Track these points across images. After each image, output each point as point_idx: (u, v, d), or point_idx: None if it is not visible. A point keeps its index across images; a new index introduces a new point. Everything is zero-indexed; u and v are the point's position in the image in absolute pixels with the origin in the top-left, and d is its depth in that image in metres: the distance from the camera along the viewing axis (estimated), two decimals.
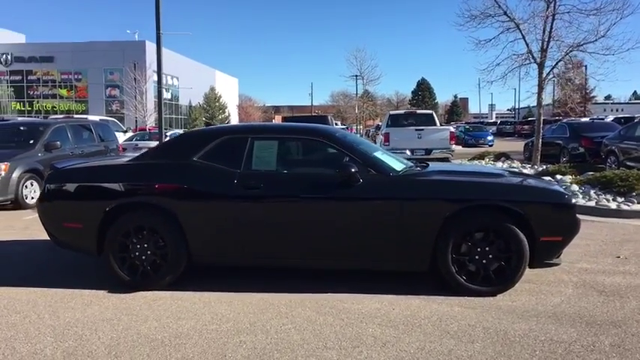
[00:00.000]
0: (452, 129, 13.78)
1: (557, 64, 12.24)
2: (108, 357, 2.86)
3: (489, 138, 30.36)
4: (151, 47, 44.29)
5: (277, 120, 55.97)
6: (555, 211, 3.80)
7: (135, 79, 34.02)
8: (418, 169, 4.30)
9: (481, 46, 12.37)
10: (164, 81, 48.70)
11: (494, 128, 41.62)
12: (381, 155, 4.18)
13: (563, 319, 3.35)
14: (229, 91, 66.87)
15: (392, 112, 15.24)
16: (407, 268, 3.94)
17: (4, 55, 42.20)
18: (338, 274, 4.21)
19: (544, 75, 11.80)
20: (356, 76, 45.00)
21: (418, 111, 16.03)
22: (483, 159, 15.83)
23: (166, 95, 49.24)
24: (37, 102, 42.83)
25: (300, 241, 3.91)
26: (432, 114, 14.77)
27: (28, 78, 42.88)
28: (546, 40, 11.35)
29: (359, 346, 2.96)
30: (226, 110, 59.10)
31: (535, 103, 12.62)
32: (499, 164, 13.89)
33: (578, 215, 3.94)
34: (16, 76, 42.84)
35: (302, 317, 3.42)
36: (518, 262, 3.74)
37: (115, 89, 38.73)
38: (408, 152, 12.99)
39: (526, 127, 37.61)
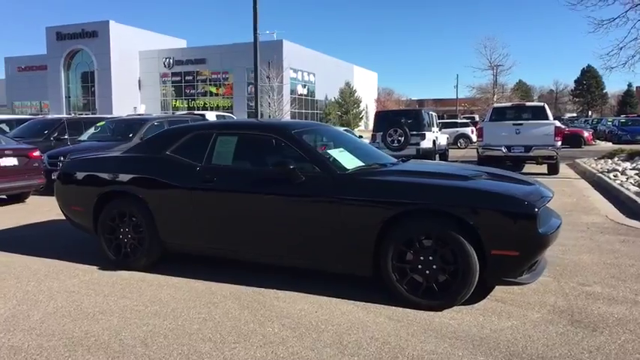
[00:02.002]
0: (558, 123, 12.12)
1: None
2: (37, 323, 3.31)
3: None
4: (288, 46, 46.99)
5: None
6: (509, 220, 3.25)
7: (268, 76, 36.40)
8: (381, 167, 4.03)
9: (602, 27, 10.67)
10: (300, 77, 51.41)
11: None
12: (338, 153, 4.02)
13: (486, 346, 2.90)
14: (368, 86, 67.57)
15: (496, 105, 13.97)
16: (349, 271, 3.75)
17: (167, 59, 48.58)
18: (310, 272, 4.15)
19: None
20: (496, 65, 42.10)
21: (528, 104, 14.33)
22: (613, 158, 13.73)
23: (302, 91, 51.83)
24: (192, 100, 48.43)
25: (247, 236, 3.99)
26: (543, 107, 13.15)
27: (186, 78, 48.73)
28: None
29: (241, 342, 2.97)
30: (361, 104, 59.92)
31: None
32: (626, 164, 11.90)
33: (546, 228, 3.33)
34: (176, 77, 49.04)
35: (224, 310, 3.51)
36: (464, 276, 3.32)
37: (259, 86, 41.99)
38: (503, 149, 11.89)
39: None
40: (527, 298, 3.67)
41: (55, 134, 11.03)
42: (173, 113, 23.92)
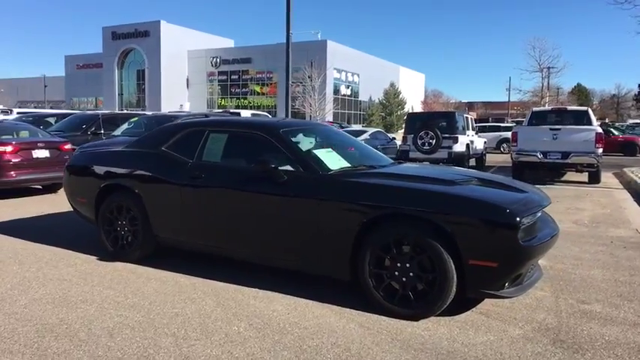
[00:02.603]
0: (599, 129, 11.42)
1: None
2: (20, 308, 3.44)
3: None
4: (332, 46, 47.03)
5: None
6: (487, 229, 3.07)
7: (309, 76, 36.57)
8: (367, 169, 3.92)
9: None
10: (344, 78, 51.35)
11: None
12: (325, 153, 3.94)
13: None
14: (414, 87, 66.61)
15: (535, 109, 13.33)
16: (328, 274, 3.66)
17: (214, 59, 49.86)
18: (301, 273, 4.10)
19: None
20: (549, 67, 40.44)
21: (570, 108, 13.59)
22: None
23: (346, 91, 51.75)
24: (237, 99, 49.41)
25: (231, 233, 3.99)
26: (586, 111, 12.43)
27: (232, 77, 49.83)
28: None
29: (202, 339, 2.96)
30: (406, 106, 59.12)
31: None
32: None
33: (530, 239, 3.12)
34: (222, 76, 50.25)
35: (199, 306, 3.51)
36: (440, 285, 3.17)
37: (299, 86, 42.30)
38: (539, 155, 11.35)
39: None
40: (515, 313, 3.47)
41: (93, 129, 11.51)
42: (210, 111, 24.37)
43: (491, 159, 18.42)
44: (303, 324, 3.22)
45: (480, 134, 19.12)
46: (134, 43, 48.93)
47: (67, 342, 2.91)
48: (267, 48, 47.48)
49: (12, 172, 7.86)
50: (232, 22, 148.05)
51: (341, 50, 48.80)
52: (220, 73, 50.19)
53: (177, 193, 4.18)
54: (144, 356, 2.75)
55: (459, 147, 13.19)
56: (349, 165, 3.92)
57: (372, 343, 2.96)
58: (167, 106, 44.40)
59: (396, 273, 3.32)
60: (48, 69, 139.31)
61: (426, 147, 13.16)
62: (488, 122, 32.13)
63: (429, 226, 3.19)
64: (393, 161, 4.56)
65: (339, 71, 49.44)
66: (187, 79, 51.23)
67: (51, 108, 40.78)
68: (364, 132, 15.60)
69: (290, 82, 45.33)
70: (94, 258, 4.65)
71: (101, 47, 50.96)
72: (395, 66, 62.38)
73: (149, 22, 48.00)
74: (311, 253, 3.64)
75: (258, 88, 49.15)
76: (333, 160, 3.87)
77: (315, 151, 3.90)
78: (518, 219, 3.04)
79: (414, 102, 61.74)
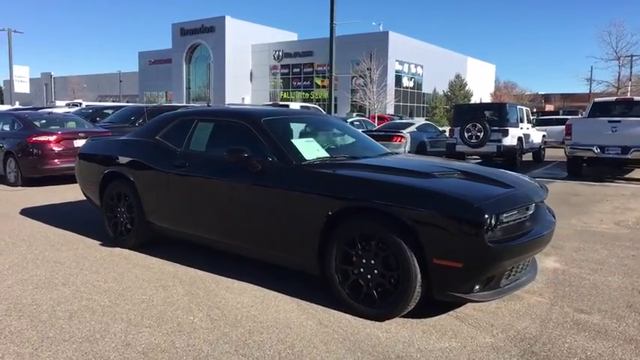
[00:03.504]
0: None
1: None
2: (4, 288, 3.62)
3: None
4: (394, 37, 46.11)
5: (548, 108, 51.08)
6: (452, 226, 2.79)
7: (368, 68, 36.04)
8: (347, 160, 3.73)
9: None
10: (406, 69, 50.33)
11: None
12: (304, 143, 3.78)
13: None
14: (483, 79, 63.91)
15: (597, 100, 12.19)
16: (299, 267, 3.53)
17: (277, 52, 50.58)
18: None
19: None
20: (631, 56, 37.27)
21: (636, 98, 12.29)
22: None
23: (408, 84, 50.61)
24: (299, 91, 49.88)
25: (211, 222, 3.97)
26: None
27: (293, 71, 50.33)
28: None
29: (153, 327, 2.95)
30: (472, 98, 56.80)
31: None
32: None
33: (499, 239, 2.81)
34: (284, 70, 50.90)
35: (168, 294, 3.52)
36: (404, 284, 2.95)
37: (360, 79, 41.93)
38: (595, 150, 10.41)
39: None
40: (495, 319, 3.16)
41: (140, 120, 12.04)
42: (273, 104, 24.68)
43: (553, 154, 17.20)
44: (261, 318, 3.13)
45: (547, 128, 17.94)
46: (201, 38, 50.75)
47: (26, 322, 3.01)
48: (328, 41, 47.46)
49: (55, 160, 8.38)
50: (297, 16, 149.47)
51: (403, 41, 47.72)
52: (283, 66, 50.87)
53: (164, 181, 4.22)
54: (88, 339, 2.79)
55: (510, 140, 12.41)
56: (327, 155, 3.75)
57: (320, 342, 2.81)
58: (231, 99, 45.74)
59: (362, 270, 3.13)
60: (124, 65, 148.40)
61: (474, 140, 12.51)
62: (558, 115, 30.01)
63: (393, 221, 2.96)
64: (388, 152, 4.32)
65: (401, 63, 48.41)
66: (251, 73, 52.43)
67: (127, 102, 43.37)
68: (411, 124, 15.10)
69: (351, 75, 44.81)
70: (97, 243, 4.82)
71: (171, 43, 53.33)
72: (462, 57, 60.08)
73: (214, 18, 49.54)
74: (282, 245, 3.53)
75: (319, 81, 49.27)
76: (310, 150, 3.71)
77: (294, 141, 3.77)
78: (485, 216, 2.75)
79: (482, 94, 59.16)
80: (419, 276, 2.91)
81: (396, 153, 4.49)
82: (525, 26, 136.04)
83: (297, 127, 4.18)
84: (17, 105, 32.90)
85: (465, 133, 12.60)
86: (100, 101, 44.51)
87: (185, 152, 4.18)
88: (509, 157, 12.65)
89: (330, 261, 3.24)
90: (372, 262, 3.08)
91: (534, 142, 14.43)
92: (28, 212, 6.30)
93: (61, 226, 5.47)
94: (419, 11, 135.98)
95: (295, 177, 3.43)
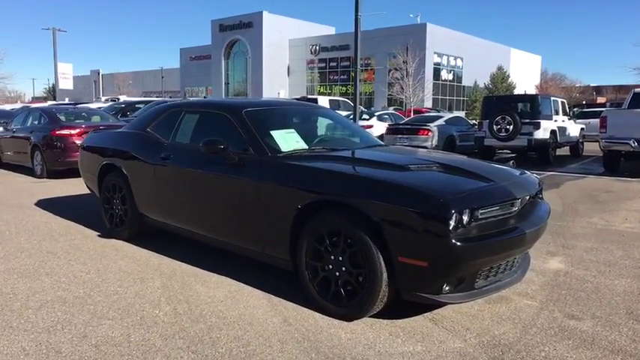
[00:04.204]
0: None
1: None
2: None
3: None
4: (432, 29, 45.04)
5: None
6: (417, 222, 2.60)
7: (404, 61, 35.38)
8: (326, 152, 3.58)
9: None
10: (445, 62, 49.25)
11: None
12: (283, 134, 3.66)
13: None
14: (528, 70, 61.56)
15: (637, 90, 11.40)
16: (274, 262, 3.42)
17: (313, 46, 50.49)
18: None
19: None
20: None
21: None
22: None
23: (447, 76, 49.38)
24: (335, 86, 49.65)
25: (191, 214, 3.93)
26: None
27: (330, 65, 50.10)
28: None
29: (115, 320, 2.93)
30: (515, 91, 54.80)
31: None
32: None
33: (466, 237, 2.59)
34: (321, 64, 50.76)
35: (143, 287, 3.50)
36: (370, 283, 2.79)
37: (396, 71, 41.33)
38: (632, 143, 9.74)
39: None
40: (473, 322, 2.95)
41: None
42: (302, 98, 24.56)
43: (594, 148, 16.31)
44: (226, 313, 3.05)
45: (589, 121, 16.96)
46: (239, 34, 51.32)
47: None
48: (364, 34, 46.57)
49: (77, 153, 8.60)
50: (334, 10, 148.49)
51: (442, 33, 46.52)
52: (320, 60, 50.75)
53: (152, 172, 4.21)
54: (48, 330, 2.79)
55: (541, 133, 11.81)
56: (305, 147, 3.62)
57: (277, 340, 2.70)
58: (268, 94, 46.07)
59: (330, 267, 3.00)
60: (167, 61, 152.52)
61: (503, 133, 11.98)
62: (604, 107, 28.44)
63: (358, 215, 2.81)
64: (377, 144, 4.14)
65: (440, 55, 47.26)
66: (288, 68, 52.62)
67: (170, 97, 44.53)
68: (439, 117, 14.67)
69: (388, 68, 44.06)
70: (95, 234, 4.89)
71: (210, 39, 54.26)
72: (505, 48, 58.02)
73: (252, 14, 49.95)
74: (256, 239, 3.44)
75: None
76: (289, 142, 3.59)
77: (273, 133, 3.65)
78: (452, 211, 2.54)
79: (527, 86, 56.95)
80: (385, 275, 2.74)
81: (385, 145, 4.29)
82: (574, 14, 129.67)
83: (281, 119, 4.06)
84: (66, 100, 34.52)
85: (494, 126, 12.08)
86: (144, 97, 45.86)
87: (171, 144, 4.16)
88: (542, 152, 12.06)
89: (300, 257, 3.12)
90: (340, 258, 2.94)
91: (571, 135, 13.70)
92: (42, 203, 6.50)
93: (67, 217, 5.60)
94: (459, 1, 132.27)
95: (268, 169, 3.33)
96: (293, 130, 3.76)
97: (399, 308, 2.98)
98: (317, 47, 50.49)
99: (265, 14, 49.41)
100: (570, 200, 7.14)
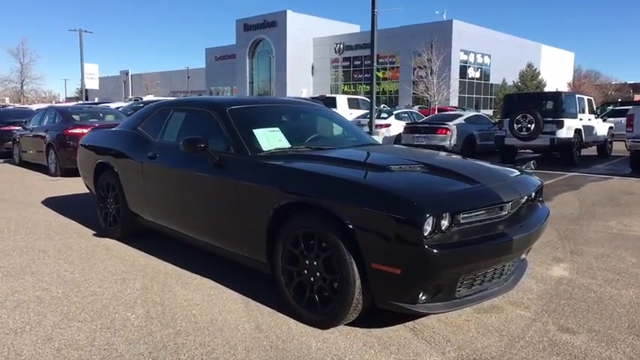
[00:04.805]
0: None
1: None
2: None
3: None
4: (458, 25, 44.19)
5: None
6: (389, 226, 2.43)
7: (428, 59, 34.80)
8: (310, 151, 3.43)
9: None
10: (472, 59, 48.31)
11: None
12: (267, 133, 3.53)
13: None
14: (560, 67, 59.81)
15: None
16: (253, 265, 3.30)
17: (337, 45, 50.24)
18: None
19: None
20: None
21: None
22: None
23: (474, 74, 48.39)
24: (359, 84, 49.30)
25: (176, 214, 3.86)
26: None
27: (354, 63, 49.77)
28: None
29: (85, 322, 2.86)
30: (546, 89, 53.27)
31: None
32: None
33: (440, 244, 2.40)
34: (345, 62, 50.48)
35: (122, 288, 3.44)
36: (343, 290, 2.64)
37: (423, 70, 40.78)
38: None
39: None
40: (456, 334, 2.77)
41: None
42: (320, 96, 24.22)
43: (623, 148, 15.62)
44: (199, 318, 2.95)
45: (621, 120, 16.22)
46: (263, 33, 51.52)
47: None
48: (389, 32, 46.42)
49: None
50: (359, 8, 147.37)
51: (469, 30, 45.59)
52: (344, 59, 50.48)
53: (140, 171, 4.16)
54: (16, 331, 2.75)
55: (565, 132, 11.35)
56: (288, 146, 3.48)
57: (243, 348, 2.58)
58: (292, 93, 46.10)
59: (305, 271, 2.86)
60: (193, 62, 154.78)
61: (524, 132, 11.56)
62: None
63: (332, 218, 2.66)
64: (369, 143, 3.98)
65: (467, 52, 46.35)
66: (312, 66, 52.55)
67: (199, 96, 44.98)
68: (459, 116, 14.32)
69: (412, 66, 43.45)
70: (90, 233, 4.88)
71: (234, 39, 54.69)
72: (535, 44, 56.49)
73: (276, 13, 50.07)
74: (235, 241, 3.33)
75: (380, 74, 48.35)
76: (271, 141, 3.47)
77: (256, 131, 3.53)
78: (427, 215, 2.37)
79: (558, 84, 55.28)
80: (358, 282, 2.59)
81: (378, 144, 4.11)
82: (610, 9, 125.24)
83: (268, 117, 3.93)
84: (95, 100, 35.44)
85: (515, 125, 11.67)
86: (172, 96, 46.57)
87: (159, 143, 4.10)
88: (565, 151, 11.60)
89: (277, 260, 3.00)
90: (315, 263, 2.80)
91: (598, 134, 13.13)
92: (48, 201, 6.57)
93: (69, 216, 5.63)
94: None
95: (247, 169, 3.21)
96: (277, 129, 3.62)
97: (381, 316, 2.83)
98: (341, 46, 50.25)
99: (289, 13, 49.48)
100: (589, 202, 6.79)
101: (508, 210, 2.82)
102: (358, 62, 49.63)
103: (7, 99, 47.99)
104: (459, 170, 2.97)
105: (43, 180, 8.64)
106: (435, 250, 2.37)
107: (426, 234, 2.38)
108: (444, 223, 2.48)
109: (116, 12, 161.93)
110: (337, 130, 4.24)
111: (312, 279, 2.82)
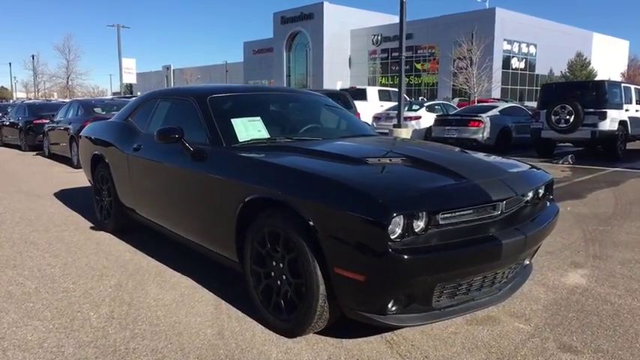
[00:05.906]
0: None
1: None
2: None
3: None
4: (501, 14, 42.45)
5: None
6: (351, 227, 2.13)
7: (469, 49, 33.60)
8: (289, 142, 3.16)
9: None
10: (516, 49, 46.39)
11: None
12: (246, 123, 3.27)
13: None
14: (612, 57, 56.66)
15: None
16: (225, 263, 3.07)
17: (375, 36, 49.37)
18: None
19: None
20: None
21: None
22: None
23: (519, 65, 46.45)
24: (398, 77, 48.33)
25: (156, 206, 3.71)
26: None
27: (392, 55, 48.75)
28: None
29: (55, 320, 2.73)
30: (595, 78, 50.54)
31: None
32: None
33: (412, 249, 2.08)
34: (383, 54, 49.58)
35: (96, 284, 3.31)
36: (307, 295, 2.38)
37: (463, 61, 39.48)
38: None
39: None
40: (437, 349, 2.45)
41: None
42: (350, 88, 23.59)
43: None
44: (161, 320, 2.76)
45: None
46: (300, 25, 51.28)
47: None
48: (428, 22, 45.29)
49: None
50: None
51: (513, 18, 43.72)
52: (382, 50, 49.61)
53: (126, 163, 4.02)
54: None
55: (607, 124, 10.53)
56: (267, 137, 3.23)
57: (195, 357, 2.36)
58: (328, 86, 45.77)
59: (272, 274, 2.61)
60: (232, 56, 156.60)
61: (562, 124, 10.81)
62: None
63: (296, 216, 2.39)
64: (364, 134, 3.67)
65: (510, 42, 44.50)
66: (350, 59, 51.98)
67: None
68: (493, 107, 13.62)
69: (453, 57, 42.21)
70: (88, 226, 4.82)
71: (272, 32, 54.79)
72: (586, 33, 53.63)
73: (313, 5, 49.65)
74: (206, 236, 3.13)
75: (418, 66, 47.29)
76: (249, 131, 3.22)
77: (235, 121, 3.28)
78: (393, 214, 2.05)
79: (611, 73, 52.34)
80: (322, 287, 2.31)
81: (374, 135, 3.78)
82: None
83: (252, 106, 3.66)
84: (138, 94, 36.33)
85: (552, 117, 10.93)
86: None
87: (144, 134, 3.94)
88: (608, 145, 10.78)
89: (246, 260, 2.76)
90: (281, 265, 2.54)
91: None
92: (61, 193, 6.60)
93: (74, 208, 5.61)
94: None
95: (220, 160, 2.99)
96: (258, 118, 3.36)
97: (359, 326, 2.54)
98: (379, 37, 49.36)
99: (326, 4, 48.99)
100: (626, 201, 6.19)
101: (502, 210, 2.46)
102: (396, 54, 48.52)
103: (55, 94, 50.09)
104: (446, 164, 2.61)
105: (65, 172, 8.77)
106: (404, 256, 2.06)
107: (393, 237, 2.08)
108: (419, 224, 2.17)
109: (158, 7, 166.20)
110: (329, 120, 3.95)
111: (278, 282, 2.57)
